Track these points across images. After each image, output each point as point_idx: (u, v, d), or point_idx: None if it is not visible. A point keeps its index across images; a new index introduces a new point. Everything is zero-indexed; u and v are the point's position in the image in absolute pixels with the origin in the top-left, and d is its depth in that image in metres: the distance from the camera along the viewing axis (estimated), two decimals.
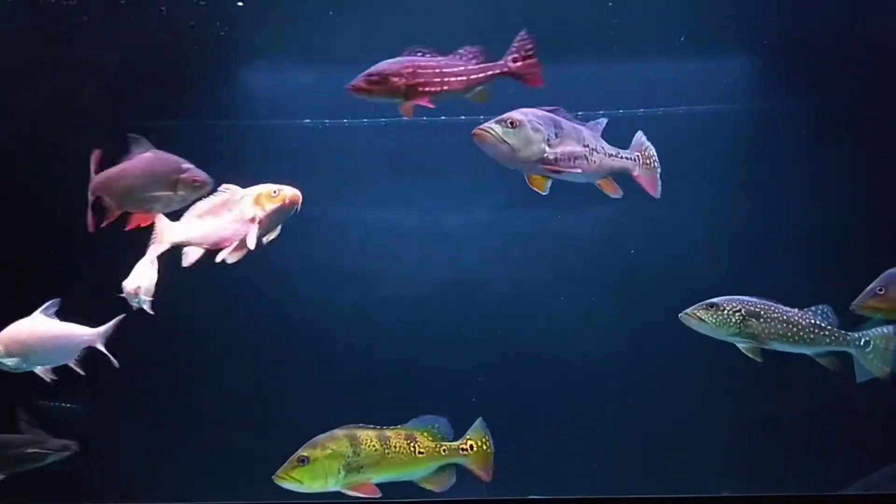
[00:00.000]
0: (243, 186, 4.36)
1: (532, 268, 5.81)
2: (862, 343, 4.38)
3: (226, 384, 5.63)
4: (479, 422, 4.38)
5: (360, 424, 4.27)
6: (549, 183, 4.32)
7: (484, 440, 4.36)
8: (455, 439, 4.36)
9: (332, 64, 5.76)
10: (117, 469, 5.55)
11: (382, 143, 5.84)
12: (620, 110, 5.66)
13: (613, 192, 4.49)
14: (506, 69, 4.37)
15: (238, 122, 5.85)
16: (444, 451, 4.32)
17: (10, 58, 5.54)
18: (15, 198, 5.63)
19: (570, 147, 4.29)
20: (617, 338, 5.73)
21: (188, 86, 5.76)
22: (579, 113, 4.55)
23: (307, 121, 5.85)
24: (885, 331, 4.40)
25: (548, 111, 4.30)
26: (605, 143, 4.46)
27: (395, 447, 4.24)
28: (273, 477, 4.09)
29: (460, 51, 4.40)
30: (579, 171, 4.30)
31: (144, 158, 4.40)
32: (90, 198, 4.41)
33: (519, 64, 4.38)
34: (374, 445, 4.21)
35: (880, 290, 4.57)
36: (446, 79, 4.39)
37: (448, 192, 5.77)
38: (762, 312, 4.37)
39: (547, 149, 4.19)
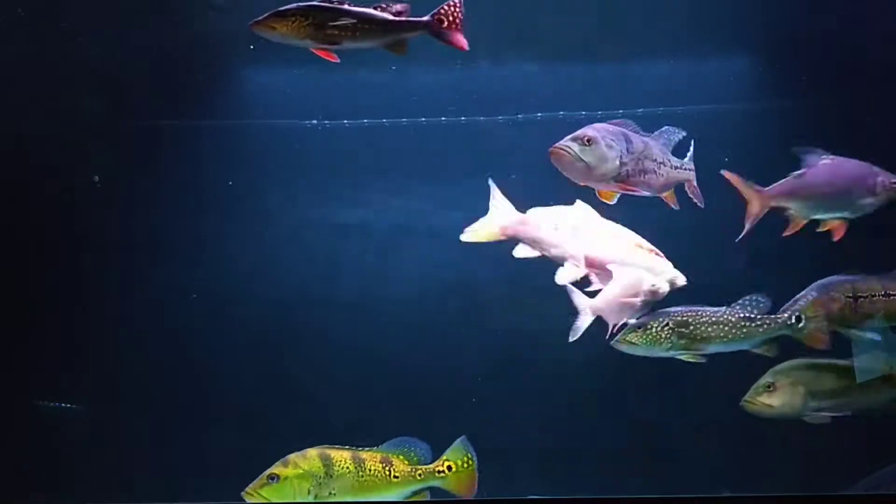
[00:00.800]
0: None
1: (532, 268, 5.80)
2: (794, 320, 4.30)
3: (225, 384, 5.64)
4: (460, 441, 4.23)
5: (335, 445, 4.14)
6: (619, 194, 4.38)
7: (466, 459, 4.20)
8: (433, 461, 4.21)
9: (333, 64, 5.77)
10: (116, 469, 5.56)
11: (382, 143, 5.85)
12: (620, 110, 5.65)
13: (675, 203, 4.55)
14: (429, 24, 4.26)
15: (238, 122, 5.86)
16: (420, 474, 4.17)
17: (9, 56, 5.56)
18: (15, 198, 5.65)
19: (642, 163, 4.33)
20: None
21: (189, 86, 5.78)
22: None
23: (307, 122, 5.85)
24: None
25: (616, 125, 4.33)
26: (671, 156, 4.48)
27: (369, 470, 4.08)
28: (242, 493, 4.01)
29: (382, 3, 4.28)
30: (649, 187, 4.37)
31: (831, 165, 4.54)
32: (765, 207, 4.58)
33: (443, 23, 4.27)
34: (347, 467, 4.06)
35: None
36: (361, 26, 4.22)
37: (448, 192, 5.77)
38: (690, 320, 4.31)
39: (620, 166, 4.25)
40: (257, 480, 4.03)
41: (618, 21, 5.52)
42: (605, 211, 5.49)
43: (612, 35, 5.57)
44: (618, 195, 4.37)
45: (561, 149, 4.20)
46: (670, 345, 4.31)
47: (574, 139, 4.21)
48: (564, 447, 5.70)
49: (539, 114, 5.72)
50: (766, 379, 4.61)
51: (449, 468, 4.19)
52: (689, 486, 5.19)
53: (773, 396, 4.59)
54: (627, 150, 4.28)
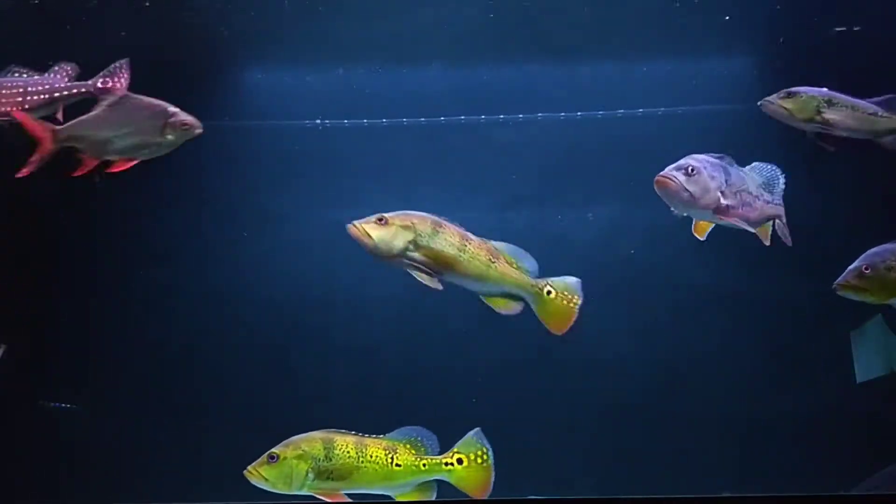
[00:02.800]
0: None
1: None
2: None
3: (224, 384, 5.64)
4: (474, 433, 4.04)
5: (342, 430, 4.04)
6: (712, 227, 4.37)
7: (480, 454, 4.01)
8: (440, 454, 4.04)
9: (333, 63, 5.78)
10: (116, 469, 5.56)
11: (382, 143, 5.85)
12: (620, 110, 5.66)
13: (767, 238, 4.53)
14: (91, 90, 4.45)
15: (238, 122, 5.86)
16: (425, 465, 4.00)
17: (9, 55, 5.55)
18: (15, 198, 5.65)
19: (739, 196, 4.34)
20: (617, 338, 5.72)
21: (189, 86, 5.77)
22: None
23: (307, 121, 5.86)
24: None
25: (715, 158, 4.33)
26: (762, 190, 4.48)
27: (370, 457, 3.96)
28: (244, 471, 3.99)
29: (55, 67, 4.48)
30: (745, 220, 4.35)
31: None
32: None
33: (108, 86, 4.45)
34: (348, 452, 3.96)
35: (866, 268, 4.50)
36: (28, 97, 4.43)
37: (448, 192, 5.77)
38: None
39: (721, 197, 4.24)
40: (258, 460, 3.99)
41: (618, 21, 5.52)
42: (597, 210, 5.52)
43: (612, 35, 5.57)
44: (710, 228, 4.37)
45: (668, 178, 4.15)
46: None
47: (678, 168, 4.18)
48: (564, 447, 5.71)
49: (539, 114, 5.73)
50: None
51: (459, 461, 4.01)
52: (690, 486, 5.19)
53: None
54: (726, 182, 4.28)
